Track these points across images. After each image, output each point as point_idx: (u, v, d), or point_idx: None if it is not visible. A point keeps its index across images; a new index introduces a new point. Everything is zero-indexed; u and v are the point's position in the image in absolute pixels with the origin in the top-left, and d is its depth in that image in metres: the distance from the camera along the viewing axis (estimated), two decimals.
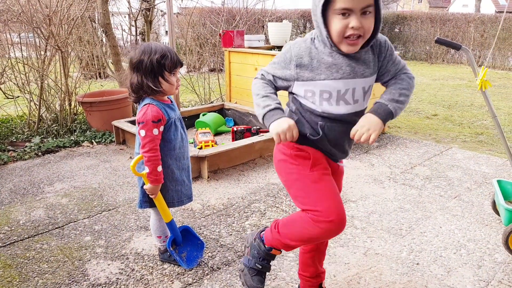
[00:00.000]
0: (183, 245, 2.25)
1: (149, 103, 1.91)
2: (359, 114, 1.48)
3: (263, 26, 8.31)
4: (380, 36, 1.43)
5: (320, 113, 1.45)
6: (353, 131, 1.42)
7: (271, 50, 4.87)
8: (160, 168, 1.93)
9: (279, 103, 1.45)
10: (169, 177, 2.03)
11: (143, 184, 1.99)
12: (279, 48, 5.10)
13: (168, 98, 2.05)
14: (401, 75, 1.51)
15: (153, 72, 1.88)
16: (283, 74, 1.45)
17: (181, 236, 2.23)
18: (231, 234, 2.52)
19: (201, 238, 2.46)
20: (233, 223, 2.66)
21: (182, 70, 6.96)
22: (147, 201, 2.07)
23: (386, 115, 1.43)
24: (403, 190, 3.18)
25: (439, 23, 12.32)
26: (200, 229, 2.57)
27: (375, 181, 3.36)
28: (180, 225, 2.58)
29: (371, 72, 1.43)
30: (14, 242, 2.43)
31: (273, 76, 1.48)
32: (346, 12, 1.23)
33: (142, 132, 1.88)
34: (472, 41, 11.64)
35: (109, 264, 2.21)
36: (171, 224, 2.13)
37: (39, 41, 4.50)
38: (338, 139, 1.52)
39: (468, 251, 2.36)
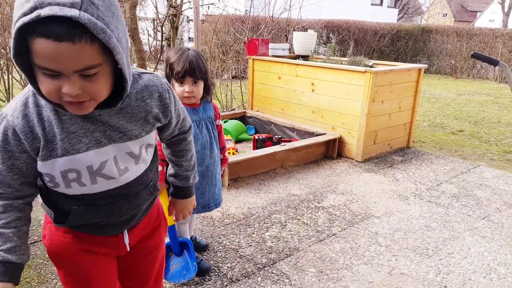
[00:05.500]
0: (181, 258, 2.12)
1: None
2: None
3: (286, 36, 8.28)
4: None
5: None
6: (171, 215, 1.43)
7: (296, 59, 4.83)
8: (160, 168, 1.89)
9: (11, 250, 1.00)
10: None
11: None
12: (304, 57, 5.06)
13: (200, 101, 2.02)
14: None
15: (167, 74, 1.91)
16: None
17: (178, 247, 2.11)
18: (250, 245, 2.47)
19: (220, 248, 2.42)
20: (253, 233, 2.61)
21: None
22: None
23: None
24: (429, 208, 3.07)
25: (466, 37, 12.10)
26: (220, 238, 2.53)
27: (400, 197, 3.27)
28: (199, 233, 2.55)
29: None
30: (35, 242, 2.43)
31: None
32: (53, 74, 0.83)
33: None
34: (500, 57, 11.38)
35: None
36: (170, 230, 2.05)
37: None
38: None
39: (498, 275, 2.26)
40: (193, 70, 1.87)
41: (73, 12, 0.75)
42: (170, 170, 1.36)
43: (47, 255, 2.28)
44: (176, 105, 1.15)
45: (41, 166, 0.99)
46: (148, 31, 6.71)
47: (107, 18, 0.80)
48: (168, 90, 1.10)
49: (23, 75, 4.28)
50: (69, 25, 0.76)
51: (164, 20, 5.11)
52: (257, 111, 5.04)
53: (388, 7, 22.72)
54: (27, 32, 0.78)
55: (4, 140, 0.96)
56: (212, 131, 2.06)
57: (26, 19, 0.75)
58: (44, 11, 0.74)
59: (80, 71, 0.83)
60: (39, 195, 1.11)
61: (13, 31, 0.78)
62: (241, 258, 2.33)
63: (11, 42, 0.80)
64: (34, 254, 2.30)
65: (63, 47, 0.77)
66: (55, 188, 1.05)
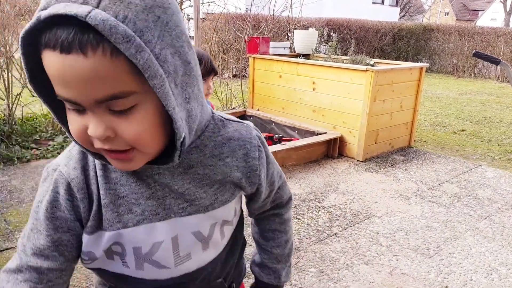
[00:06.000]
0: None
1: None
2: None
3: (287, 34, 8.26)
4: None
5: None
6: None
7: (297, 58, 4.81)
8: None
9: None
10: None
11: None
12: (305, 56, 5.04)
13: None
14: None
15: None
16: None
17: None
18: (251, 245, 2.45)
19: None
20: None
21: None
22: None
23: None
24: (430, 208, 3.06)
25: (467, 36, 12.06)
26: None
27: (401, 196, 3.25)
28: None
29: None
30: None
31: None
32: (77, 108, 0.58)
33: None
34: (502, 56, 11.35)
35: None
36: None
37: None
38: None
39: (500, 276, 2.24)
40: (214, 65, 1.98)
41: (82, 10, 0.50)
42: (256, 256, 0.98)
43: None
44: (269, 169, 0.82)
45: (84, 242, 0.71)
46: None
47: (141, 22, 0.53)
48: (259, 147, 0.77)
49: (23, 73, 4.26)
50: (79, 28, 0.51)
51: None
52: (258, 110, 5.03)
53: (389, 5, 22.68)
54: (37, 45, 0.55)
55: (53, 201, 0.68)
56: None
57: (28, 25, 0.53)
58: (45, 12, 0.51)
59: (104, 102, 0.55)
60: None
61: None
62: None
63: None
64: None
65: (71, 61, 0.52)
66: (91, 265, 0.75)
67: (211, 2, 5.36)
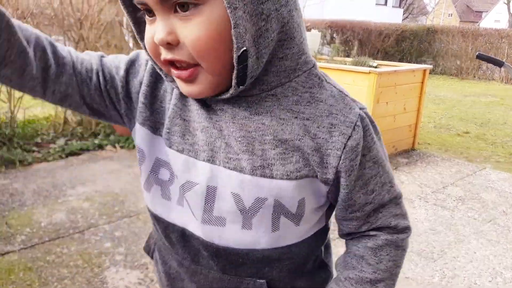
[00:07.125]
0: None
1: None
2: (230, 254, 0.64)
3: None
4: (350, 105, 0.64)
5: (152, 211, 0.72)
6: None
7: None
8: None
9: None
10: None
11: None
12: None
13: None
14: (377, 237, 0.68)
15: None
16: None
17: None
18: None
19: None
20: None
21: None
22: None
23: None
24: (434, 211, 3.03)
25: (471, 38, 12.03)
26: None
27: (405, 200, 3.20)
28: None
29: (275, 171, 0.59)
30: (35, 244, 2.41)
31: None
32: (148, 12, 0.55)
33: None
34: (505, 58, 11.30)
35: (128, 273, 2.16)
36: None
37: (69, 44, 4.56)
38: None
39: (504, 279, 2.22)
40: None
41: None
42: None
43: (47, 258, 2.26)
44: (365, 164, 0.62)
45: (135, 131, 0.69)
46: None
47: None
48: (357, 127, 0.62)
49: None
50: None
51: None
52: None
53: (393, 7, 22.65)
54: None
55: (135, 54, 0.70)
56: None
57: None
58: None
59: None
60: None
61: None
62: None
63: None
64: (35, 257, 2.28)
65: None
66: (145, 190, 0.70)
67: None
